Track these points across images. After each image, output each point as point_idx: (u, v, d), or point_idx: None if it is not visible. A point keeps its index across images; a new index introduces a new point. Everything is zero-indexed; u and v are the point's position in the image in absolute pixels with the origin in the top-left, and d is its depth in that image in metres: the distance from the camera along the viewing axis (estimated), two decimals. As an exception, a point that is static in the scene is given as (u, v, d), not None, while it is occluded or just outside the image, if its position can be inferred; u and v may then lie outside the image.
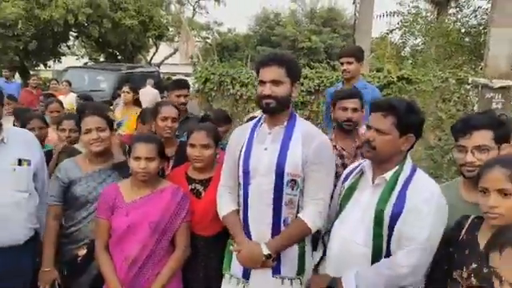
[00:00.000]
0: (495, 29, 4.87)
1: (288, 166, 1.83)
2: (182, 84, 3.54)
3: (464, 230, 1.62)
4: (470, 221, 1.64)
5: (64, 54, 17.58)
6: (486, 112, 2.16)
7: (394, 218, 1.63)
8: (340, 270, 1.75)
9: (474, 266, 1.52)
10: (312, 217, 1.85)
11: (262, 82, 1.86)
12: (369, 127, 1.73)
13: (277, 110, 1.87)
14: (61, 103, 4.03)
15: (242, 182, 1.94)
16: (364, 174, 1.80)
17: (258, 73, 1.91)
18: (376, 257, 1.67)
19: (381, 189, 1.70)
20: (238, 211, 1.98)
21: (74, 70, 10.90)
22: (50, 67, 17.61)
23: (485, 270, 1.48)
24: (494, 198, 1.46)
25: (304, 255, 1.91)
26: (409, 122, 1.66)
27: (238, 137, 2.04)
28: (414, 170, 1.71)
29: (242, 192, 1.95)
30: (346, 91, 2.71)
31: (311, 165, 1.84)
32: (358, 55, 3.44)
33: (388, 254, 1.67)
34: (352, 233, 1.74)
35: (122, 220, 2.05)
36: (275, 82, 1.83)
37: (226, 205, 2.01)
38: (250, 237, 1.92)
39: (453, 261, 1.60)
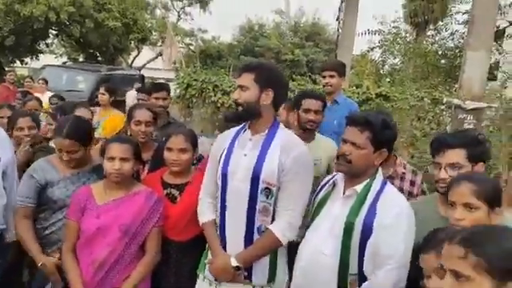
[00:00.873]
0: (471, 52, 5.06)
1: (264, 173, 1.83)
2: (160, 86, 3.51)
3: None
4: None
5: (42, 52, 17.20)
6: (462, 131, 2.23)
7: (365, 231, 1.65)
8: (308, 280, 1.76)
9: None
10: (282, 229, 1.84)
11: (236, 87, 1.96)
12: (344, 141, 1.75)
13: (244, 115, 1.90)
14: (39, 101, 3.92)
15: (220, 184, 1.94)
16: (336, 186, 1.83)
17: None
18: (343, 269, 1.68)
19: (351, 200, 1.72)
20: (215, 220, 1.98)
21: (51, 68, 10.61)
22: (26, 64, 17.16)
23: None
24: (460, 212, 1.53)
25: (276, 263, 1.91)
26: (383, 137, 1.70)
27: (220, 142, 2.06)
28: (384, 184, 1.74)
29: (219, 194, 1.95)
30: (310, 92, 2.89)
31: (287, 174, 1.84)
32: (340, 70, 3.50)
33: (359, 268, 1.67)
34: (321, 243, 1.74)
35: (91, 222, 2.00)
36: (242, 87, 1.88)
37: (205, 212, 2.01)
38: (224, 241, 1.92)
39: (421, 271, 1.62)
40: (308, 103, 2.62)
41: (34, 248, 2.11)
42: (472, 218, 1.51)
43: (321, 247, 1.74)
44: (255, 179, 1.84)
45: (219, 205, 1.95)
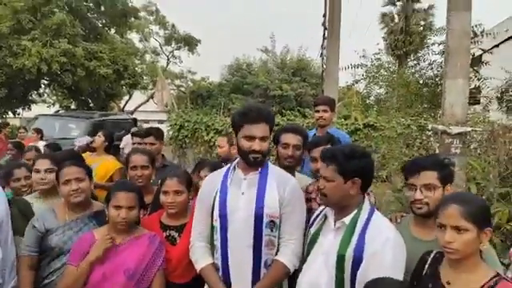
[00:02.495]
0: (449, 81, 5.29)
1: (267, 208, 1.91)
2: (148, 132, 3.51)
3: (427, 265, 1.71)
4: (432, 255, 1.73)
5: (34, 102, 17.37)
6: (431, 155, 2.35)
7: (356, 263, 1.69)
8: None
9: None
10: (290, 257, 1.92)
11: (251, 138, 1.93)
12: (321, 176, 1.85)
13: (263, 162, 1.98)
14: (38, 151, 3.96)
15: (218, 226, 1.97)
16: (327, 219, 1.89)
17: (240, 126, 1.97)
18: None
19: (342, 232, 1.77)
20: (213, 263, 1.99)
21: (44, 117, 10.72)
22: (19, 114, 17.28)
23: None
24: (450, 234, 1.54)
25: None
26: (350, 167, 1.75)
27: (210, 184, 2.07)
28: (371, 213, 1.80)
29: (218, 236, 1.97)
30: (291, 125, 2.78)
31: (286, 206, 1.94)
32: (332, 105, 3.69)
33: None
34: (316, 276, 1.79)
35: (96, 268, 2.02)
36: (263, 139, 1.93)
37: (202, 257, 2.02)
38: (229, 282, 1.94)
39: None
40: (286, 138, 2.51)
41: None
42: (462, 240, 1.52)
43: (317, 279, 1.78)
44: (259, 215, 1.91)
45: (220, 246, 1.96)
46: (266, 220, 1.91)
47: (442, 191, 1.85)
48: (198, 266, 2.01)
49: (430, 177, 1.86)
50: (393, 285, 1.57)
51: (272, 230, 1.92)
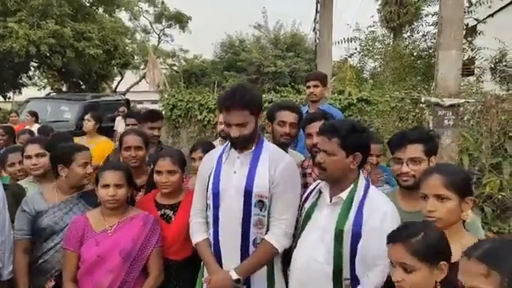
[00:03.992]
0: (442, 52, 5.26)
1: (256, 187, 1.91)
2: (157, 115, 3.42)
3: None
4: None
5: (25, 85, 17.13)
6: (417, 128, 2.36)
7: (355, 237, 1.71)
8: (302, 287, 1.82)
9: None
10: (278, 237, 1.92)
11: (228, 125, 1.92)
12: (318, 150, 1.85)
13: (246, 144, 1.96)
14: (32, 133, 3.93)
15: (211, 203, 2.00)
16: (322, 194, 1.90)
17: (220, 111, 1.97)
18: (337, 274, 1.74)
19: (338, 208, 1.78)
20: (208, 239, 2.02)
21: (35, 101, 10.61)
22: (9, 99, 17.07)
23: None
24: (432, 203, 1.57)
25: (273, 272, 1.98)
26: (352, 141, 1.76)
27: (207, 162, 2.11)
28: (367, 187, 1.82)
29: (211, 213, 2.00)
30: (286, 103, 2.72)
31: (277, 185, 1.93)
32: (324, 80, 3.67)
33: (351, 272, 1.73)
34: (313, 251, 1.80)
35: (91, 250, 2.05)
36: (241, 125, 1.89)
37: (197, 232, 2.06)
38: (220, 257, 1.97)
39: None
40: (283, 115, 2.51)
41: (21, 285, 2.17)
42: (444, 208, 1.55)
43: (313, 255, 1.80)
44: (248, 194, 1.91)
45: (212, 223, 1.99)
46: (254, 200, 1.92)
47: (428, 163, 1.87)
48: (194, 241, 2.06)
49: (416, 150, 1.87)
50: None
51: (261, 210, 1.93)
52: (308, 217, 1.90)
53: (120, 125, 8.69)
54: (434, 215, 1.57)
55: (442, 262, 1.44)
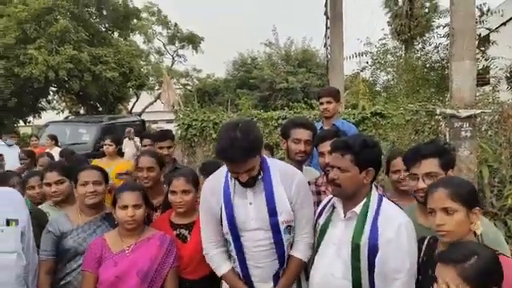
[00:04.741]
0: (456, 63, 5.20)
1: (281, 216, 1.91)
2: (164, 135, 3.45)
3: (422, 252, 1.72)
4: (426, 242, 1.74)
5: (44, 109, 17.62)
6: (432, 141, 2.32)
7: (372, 250, 1.70)
8: None
9: None
10: (304, 251, 1.96)
11: (233, 172, 1.87)
12: (332, 167, 1.84)
13: (254, 183, 1.90)
14: (51, 156, 4.03)
15: (230, 238, 1.95)
16: (335, 209, 1.89)
17: (228, 166, 1.89)
18: None
19: (353, 222, 1.78)
20: (233, 268, 2.01)
21: (54, 124, 10.91)
22: (29, 123, 17.56)
23: None
24: (440, 217, 1.57)
25: (300, 282, 2.03)
26: (365, 157, 1.77)
27: (210, 193, 2.01)
28: (380, 200, 1.81)
29: (233, 247, 1.96)
30: (301, 120, 2.70)
31: (296, 203, 1.95)
32: (336, 95, 3.66)
33: (371, 286, 1.71)
34: (330, 267, 1.80)
35: (109, 271, 2.06)
36: (247, 172, 1.83)
37: (221, 263, 2.02)
38: (251, 283, 1.98)
39: (418, 282, 1.68)
40: (297, 133, 2.49)
41: None
42: (452, 221, 1.55)
43: (331, 270, 1.79)
44: (275, 225, 1.90)
45: (236, 254, 1.96)
46: (282, 227, 1.92)
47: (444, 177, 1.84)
48: (219, 273, 2.03)
49: (431, 165, 1.84)
50: None
51: (290, 233, 1.96)
52: (323, 232, 1.90)
53: (129, 146, 8.73)
54: (444, 229, 1.56)
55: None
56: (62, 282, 2.23)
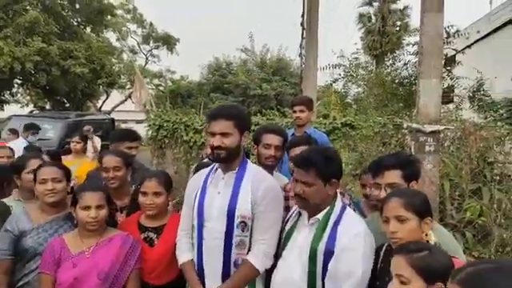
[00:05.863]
0: (423, 80, 5.42)
1: (238, 209, 1.93)
2: (133, 135, 3.32)
3: (380, 259, 1.78)
4: (383, 249, 1.81)
5: (7, 102, 16.86)
6: (396, 153, 2.40)
7: (327, 256, 1.74)
8: None
9: None
10: (259, 258, 1.93)
11: (212, 134, 1.96)
12: (296, 181, 1.87)
13: (226, 159, 1.98)
14: (11, 149, 3.86)
15: (196, 224, 2.00)
16: (301, 216, 1.93)
17: (209, 125, 2.01)
18: None
19: (315, 228, 1.83)
20: (193, 259, 2.02)
21: (18, 118, 10.40)
22: (-10, 115, 16.71)
23: None
24: (393, 225, 1.65)
25: None
26: (328, 170, 1.82)
27: (194, 182, 2.13)
28: (343, 209, 1.86)
29: (196, 234, 2.00)
30: (272, 126, 2.78)
31: (259, 206, 1.95)
32: (309, 104, 3.73)
33: None
34: (290, 271, 1.83)
35: (68, 273, 1.98)
36: (224, 134, 1.94)
37: (183, 253, 2.07)
38: (203, 278, 1.97)
39: None
40: (268, 138, 2.54)
41: None
42: (405, 229, 1.63)
43: (291, 274, 1.82)
44: (230, 215, 1.92)
45: (196, 244, 2.00)
46: (237, 221, 1.93)
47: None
48: (180, 261, 2.06)
49: (394, 176, 1.91)
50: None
51: (243, 231, 1.94)
52: (288, 237, 1.93)
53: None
54: (397, 236, 1.64)
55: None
56: (20, 283, 2.12)
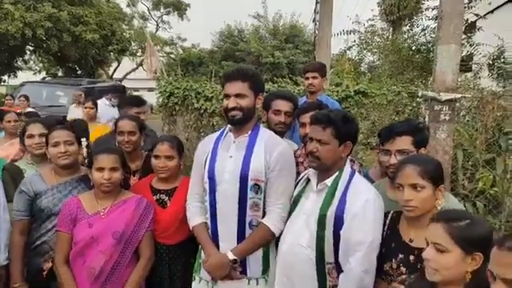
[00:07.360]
0: (441, 46, 5.21)
1: (251, 171, 1.93)
2: (141, 101, 3.36)
3: (386, 226, 1.78)
4: (389, 216, 1.80)
5: (20, 69, 16.99)
6: (406, 120, 2.37)
7: (337, 222, 1.74)
8: (288, 271, 1.86)
9: (400, 256, 1.68)
10: (275, 221, 1.95)
11: (227, 96, 1.96)
12: (311, 139, 1.85)
13: (242, 120, 1.97)
14: (19, 114, 3.93)
15: (207, 188, 2.00)
16: (310, 182, 1.93)
17: (223, 87, 2.01)
18: (320, 258, 1.78)
19: (323, 194, 1.82)
20: (205, 222, 2.04)
21: (30, 84, 10.49)
22: (4, 82, 16.90)
23: (411, 258, 1.65)
24: (408, 192, 1.62)
25: (268, 255, 2.00)
26: (346, 131, 1.81)
27: (204, 146, 2.12)
28: (352, 175, 1.85)
29: (208, 197, 2.01)
30: (282, 92, 2.73)
31: (273, 171, 1.95)
32: (322, 71, 3.64)
33: (336, 257, 1.76)
34: (297, 236, 1.84)
35: (84, 232, 2.04)
36: (239, 96, 1.94)
37: (194, 216, 2.08)
38: (217, 240, 1.99)
39: (381, 255, 1.74)
40: (278, 104, 2.52)
41: (16, 268, 2.17)
42: (420, 197, 1.61)
43: (298, 239, 1.83)
44: (244, 178, 1.93)
45: (209, 207, 2.01)
46: (250, 183, 1.93)
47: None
48: (191, 224, 2.08)
49: (404, 142, 1.90)
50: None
51: (257, 193, 1.95)
52: (296, 202, 1.94)
53: (76, 113, 8.21)
54: (411, 204, 1.62)
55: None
56: (37, 243, 2.20)
